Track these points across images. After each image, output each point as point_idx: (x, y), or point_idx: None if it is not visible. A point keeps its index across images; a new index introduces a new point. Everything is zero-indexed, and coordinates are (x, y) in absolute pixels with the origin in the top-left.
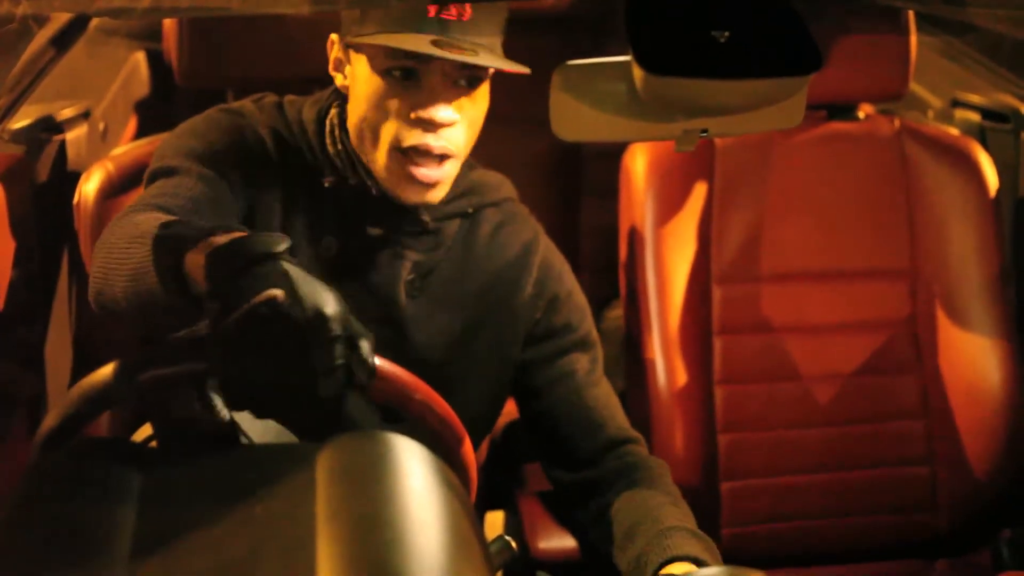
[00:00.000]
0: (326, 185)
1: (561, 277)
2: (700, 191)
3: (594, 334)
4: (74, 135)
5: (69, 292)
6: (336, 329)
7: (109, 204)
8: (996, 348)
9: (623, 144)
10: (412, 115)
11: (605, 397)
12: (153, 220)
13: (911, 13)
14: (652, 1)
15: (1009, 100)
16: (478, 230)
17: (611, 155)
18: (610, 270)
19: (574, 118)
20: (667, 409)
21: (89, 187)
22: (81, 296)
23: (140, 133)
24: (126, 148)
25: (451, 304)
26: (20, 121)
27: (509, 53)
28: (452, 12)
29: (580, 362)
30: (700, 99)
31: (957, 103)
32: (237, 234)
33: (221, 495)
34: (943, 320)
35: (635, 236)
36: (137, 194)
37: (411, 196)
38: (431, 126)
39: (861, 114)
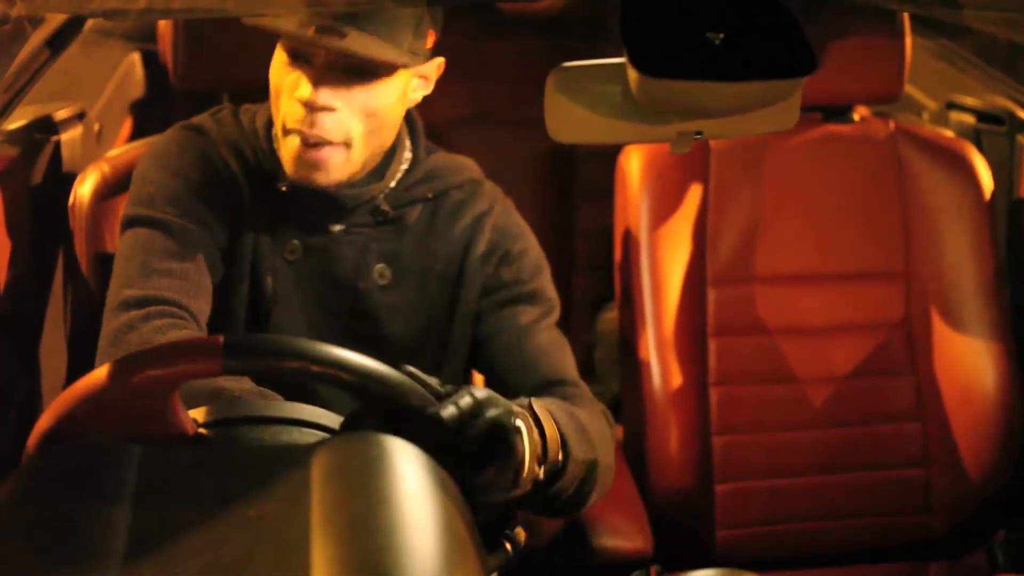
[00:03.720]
0: (283, 190)
1: (517, 238)
2: (695, 193)
3: (549, 293)
4: (69, 136)
5: (64, 293)
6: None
7: (104, 205)
8: (991, 350)
9: (618, 146)
10: (294, 95)
11: (549, 344)
12: None
13: (906, 15)
14: (647, 3)
15: (1004, 102)
16: (440, 212)
17: (605, 157)
18: (604, 271)
19: (569, 120)
20: (662, 410)
21: (84, 188)
22: (76, 297)
23: (135, 134)
24: (121, 150)
25: (420, 289)
26: (15, 122)
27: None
28: None
29: (527, 312)
30: (695, 101)
31: (952, 105)
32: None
33: (216, 496)
34: (938, 322)
35: (630, 237)
36: None
37: (300, 174)
38: (308, 108)
39: (856, 116)
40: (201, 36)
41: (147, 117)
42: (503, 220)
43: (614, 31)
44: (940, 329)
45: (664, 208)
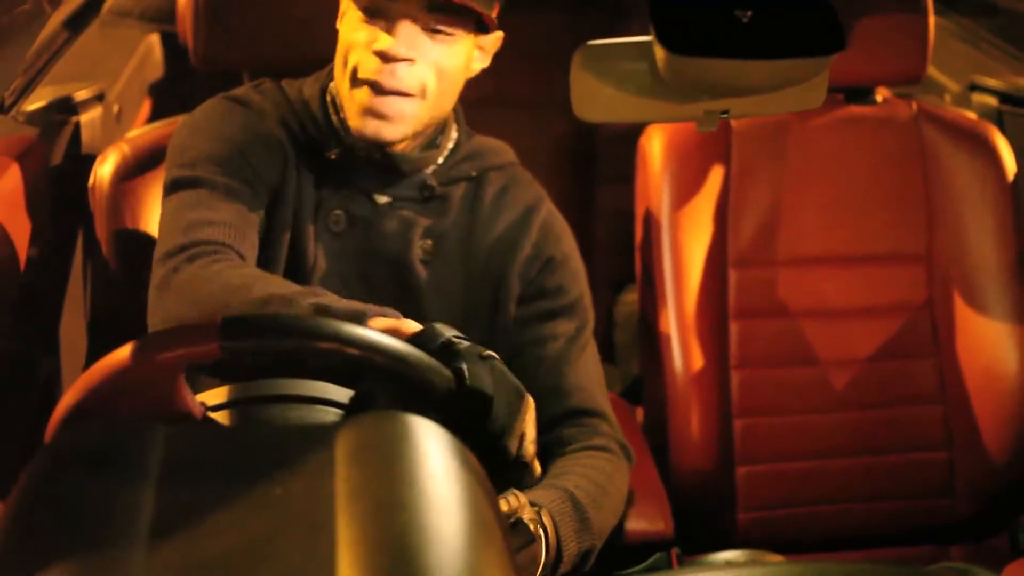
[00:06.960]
0: (332, 158)
1: (560, 240)
2: (717, 174)
3: (586, 301)
4: (88, 117)
5: (84, 274)
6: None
7: (124, 187)
8: (1013, 333)
9: (639, 127)
10: (371, 47)
11: (584, 367)
12: (251, 276)
13: None
14: None
15: None
16: (483, 193)
17: (626, 139)
18: (624, 254)
19: (595, 98)
20: (683, 393)
21: (104, 169)
22: (95, 278)
23: (154, 116)
24: (141, 131)
25: (461, 268)
26: (35, 103)
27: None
28: None
29: (566, 327)
30: (722, 79)
31: (975, 87)
32: (400, 321)
33: (240, 475)
34: (960, 305)
35: (651, 219)
36: (152, 177)
37: (368, 127)
38: (386, 59)
39: (878, 97)
40: (221, 16)
41: (166, 98)
42: (549, 219)
43: (636, 8)
44: (962, 311)
45: (686, 189)
